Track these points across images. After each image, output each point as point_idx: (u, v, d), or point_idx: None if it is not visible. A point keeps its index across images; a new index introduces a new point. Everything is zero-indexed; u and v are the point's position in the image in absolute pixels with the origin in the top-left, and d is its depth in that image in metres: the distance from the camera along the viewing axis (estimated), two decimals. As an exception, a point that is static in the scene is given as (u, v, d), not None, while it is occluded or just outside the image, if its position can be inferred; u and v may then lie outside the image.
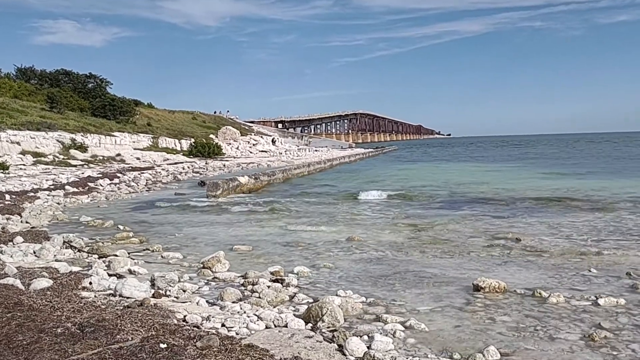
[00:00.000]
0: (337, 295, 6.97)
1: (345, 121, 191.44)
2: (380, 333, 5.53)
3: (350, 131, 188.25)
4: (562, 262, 9.13)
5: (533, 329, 5.83)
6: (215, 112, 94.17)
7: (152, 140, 47.99)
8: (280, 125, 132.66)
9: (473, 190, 22.35)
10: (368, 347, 5.05)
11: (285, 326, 5.69)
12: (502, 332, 5.78)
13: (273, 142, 78.13)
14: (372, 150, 79.17)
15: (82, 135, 38.30)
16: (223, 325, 5.61)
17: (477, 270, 8.52)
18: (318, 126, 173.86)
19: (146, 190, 23.81)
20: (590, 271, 8.34)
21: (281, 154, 62.67)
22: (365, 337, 5.41)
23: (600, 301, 6.66)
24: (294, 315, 6.07)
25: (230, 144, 63.21)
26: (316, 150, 74.18)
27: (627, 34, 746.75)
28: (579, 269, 8.56)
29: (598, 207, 15.86)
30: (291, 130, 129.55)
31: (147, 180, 27.10)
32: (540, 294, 7.01)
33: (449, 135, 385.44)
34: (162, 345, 4.66)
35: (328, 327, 5.68)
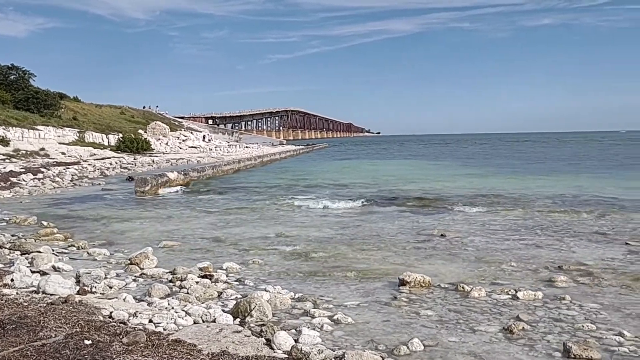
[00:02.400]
0: (266, 290, 7.01)
1: (277, 118, 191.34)
2: (308, 327, 5.60)
3: (281, 128, 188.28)
4: (483, 255, 9.47)
5: (455, 322, 6.03)
6: (144, 107, 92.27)
7: (78, 134, 46.55)
8: (210, 121, 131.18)
9: (401, 187, 22.77)
10: (296, 341, 5.11)
11: (214, 321, 5.68)
12: (425, 325, 5.95)
13: (203, 138, 77.19)
14: (302, 147, 79.33)
15: (3, 129, 36.76)
16: (150, 321, 5.56)
17: (404, 265, 8.73)
18: (249, 123, 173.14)
19: (72, 186, 23.13)
20: (510, 265, 8.68)
21: (211, 150, 61.98)
22: (293, 331, 5.47)
23: (519, 294, 6.94)
24: (223, 310, 6.06)
25: (159, 139, 62.03)
26: (247, 147, 73.73)
27: (550, 37, 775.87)
28: (500, 263, 8.90)
29: (520, 204, 16.46)
30: (222, 126, 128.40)
31: (72, 175, 26.32)
32: (463, 288, 7.25)
33: (379, 133, 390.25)
34: (87, 342, 4.58)
35: (256, 322, 5.71)
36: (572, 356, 5.00)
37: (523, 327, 5.76)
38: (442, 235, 11.41)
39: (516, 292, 7.04)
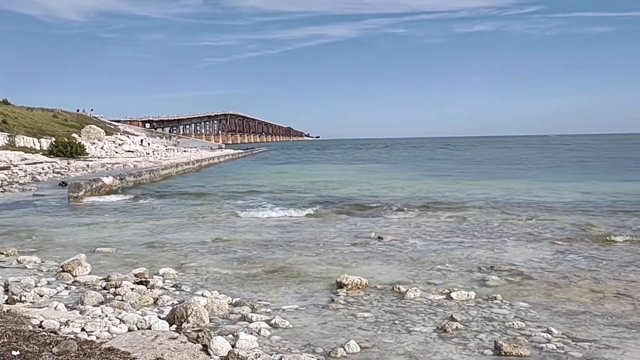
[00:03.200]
0: (203, 296, 6.94)
1: (215, 122, 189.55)
2: (245, 332, 5.59)
3: (220, 132, 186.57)
4: (419, 256, 9.65)
5: (391, 323, 6.12)
6: (78, 111, 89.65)
7: (8, 138, 44.97)
8: (148, 125, 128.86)
9: (340, 191, 22.95)
10: (232, 346, 5.09)
11: (149, 328, 5.60)
12: (362, 327, 6.02)
13: (141, 142, 75.80)
14: (242, 151, 78.87)
15: None
16: (83, 329, 5.43)
17: (342, 268, 8.80)
18: (187, 126, 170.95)
19: (1, 192, 22.32)
20: (445, 266, 8.87)
21: (149, 154, 60.84)
22: (231, 336, 5.44)
23: (453, 294, 7.10)
24: (159, 317, 5.98)
25: (94, 143, 60.54)
26: (185, 151, 72.74)
27: (482, 43, 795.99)
28: (436, 264, 9.09)
29: (454, 207, 16.82)
30: (159, 130, 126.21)
31: (2, 181, 25.39)
32: (399, 289, 7.36)
33: (318, 137, 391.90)
34: (15, 353, 4.44)
35: (193, 328, 5.66)
36: (503, 354, 5.15)
37: (457, 327, 5.90)
38: (379, 238, 11.55)
39: (450, 292, 7.21)
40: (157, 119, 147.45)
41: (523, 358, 5.12)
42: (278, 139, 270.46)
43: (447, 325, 5.90)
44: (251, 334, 5.56)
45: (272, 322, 6.01)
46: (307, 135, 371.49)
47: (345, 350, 5.21)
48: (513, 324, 6.02)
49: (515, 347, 5.20)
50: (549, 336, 5.66)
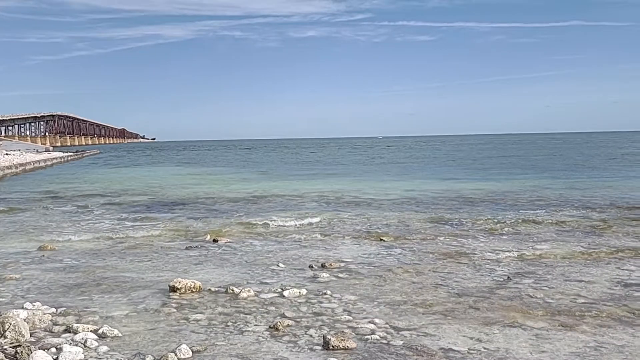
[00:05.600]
0: (23, 308, 6.52)
1: (42, 123, 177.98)
2: (70, 344, 5.33)
3: (47, 134, 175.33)
4: (254, 258, 9.76)
5: (224, 325, 6.13)
6: None
7: None
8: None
9: (176, 193, 22.56)
10: (55, 360, 4.85)
11: (-40, 347, 5.17)
12: (195, 330, 5.97)
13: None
14: (71, 153, 74.66)
15: None
16: None
17: (175, 272, 8.67)
18: (10, 128, 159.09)
19: None
20: (278, 266, 9.05)
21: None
22: (53, 350, 5.17)
23: (285, 293, 7.27)
24: (-29, 334, 5.53)
25: None
26: (7, 154, 67.45)
27: (315, 48, 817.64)
28: (269, 264, 9.24)
29: (288, 206, 17.28)
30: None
31: None
32: (232, 290, 7.40)
33: (154, 139, 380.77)
34: None
35: (11, 344, 5.30)
36: (331, 348, 5.35)
37: (288, 324, 6.04)
38: (214, 240, 11.52)
39: (282, 290, 7.37)
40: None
41: (350, 351, 5.35)
42: (112, 141, 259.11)
43: (279, 323, 6.03)
44: (76, 345, 5.31)
45: (100, 331, 5.78)
46: (143, 137, 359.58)
47: (176, 355, 5.14)
48: (341, 318, 6.29)
49: (342, 340, 5.43)
50: (374, 327, 5.98)
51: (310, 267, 8.94)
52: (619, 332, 5.81)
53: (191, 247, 10.93)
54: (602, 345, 5.42)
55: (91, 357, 5.17)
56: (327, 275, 8.33)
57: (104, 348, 5.41)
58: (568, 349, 5.33)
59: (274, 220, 14.26)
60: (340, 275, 8.41)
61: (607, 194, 18.94)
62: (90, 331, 5.80)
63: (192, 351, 5.27)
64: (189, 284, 7.47)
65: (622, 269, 8.56)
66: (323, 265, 8.97)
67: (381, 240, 11.30)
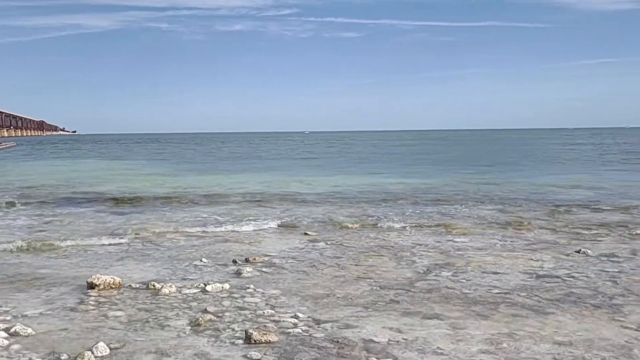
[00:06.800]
0: None
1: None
2: (-21, 344, 5.13)
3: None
4: (177, 254, 9.63)
5: (145, 321, 6.03)
6: None
7: None
8: None
9: (97, 187, 21.88)
10: (-37, 361, 4.66)
11: None
12: (114, 327, 5.85)
13: None
14: (-17, 146, 71.48)
15: None
16: None
17: (95, 268, 8.46)
18: None
19: None
20: (201, 261, 8.96)
21: None
22: (-39, 351, 4.96)
23: (208, 288, 7.21)
24: None
25: None
26: None
27: (242, 42, 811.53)
28: (192, 259, 9.14)
29: (213, 200, 17.11)
30: None
31: None
32: (154, 286, 7.29)
33: (75, 132, 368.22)
34: None
35: None
36: (253, 342, 5.35)
37: (210, 319, 6.01)
38: (136, 235, 11.30)
39: (205, 285, 7.31)
40: None
41: (271, 344, 5.37)
42: (29, 134, 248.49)
43: (200, 318, 5.98)
44: (-14, 345, 5.12)
45: (12, 330, 5.57)
46: (63, 130, 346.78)
47: (93, 353, 5.02)
48: (264, 312, 6.29)
49: (264, 334, 5.45)
50: (296, 321, 6.01)
51: (234, 261, 8.90)
52: (531, 319, 6.08)
53: (112, 242, 10.67)
54: (514, 332, 5.66)
55: (1, 356, 5.00)
56: (251, 269, 8.30)
57: (16, 346, 5.24)
58: (483, 336, 5.54)
59: (199, 214, 14.11)
60: (264, 269, 8.41)
61: (523, 190, 19.66)
62: (2, 330, 5.59)
63: (110, 348, 5.17)
64: (108, 280, 7.30)
65: (535, 261, 8.92)
66: (247, 260, 8.95)
67: (306, 234, 11.37)
